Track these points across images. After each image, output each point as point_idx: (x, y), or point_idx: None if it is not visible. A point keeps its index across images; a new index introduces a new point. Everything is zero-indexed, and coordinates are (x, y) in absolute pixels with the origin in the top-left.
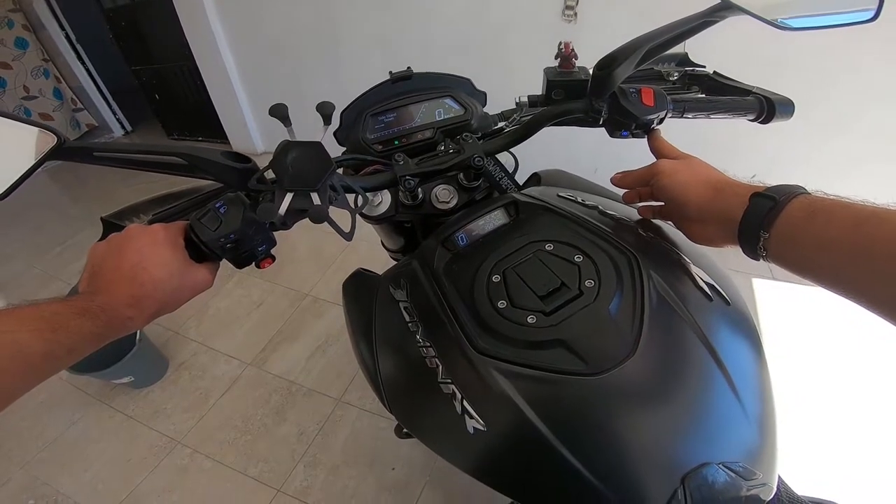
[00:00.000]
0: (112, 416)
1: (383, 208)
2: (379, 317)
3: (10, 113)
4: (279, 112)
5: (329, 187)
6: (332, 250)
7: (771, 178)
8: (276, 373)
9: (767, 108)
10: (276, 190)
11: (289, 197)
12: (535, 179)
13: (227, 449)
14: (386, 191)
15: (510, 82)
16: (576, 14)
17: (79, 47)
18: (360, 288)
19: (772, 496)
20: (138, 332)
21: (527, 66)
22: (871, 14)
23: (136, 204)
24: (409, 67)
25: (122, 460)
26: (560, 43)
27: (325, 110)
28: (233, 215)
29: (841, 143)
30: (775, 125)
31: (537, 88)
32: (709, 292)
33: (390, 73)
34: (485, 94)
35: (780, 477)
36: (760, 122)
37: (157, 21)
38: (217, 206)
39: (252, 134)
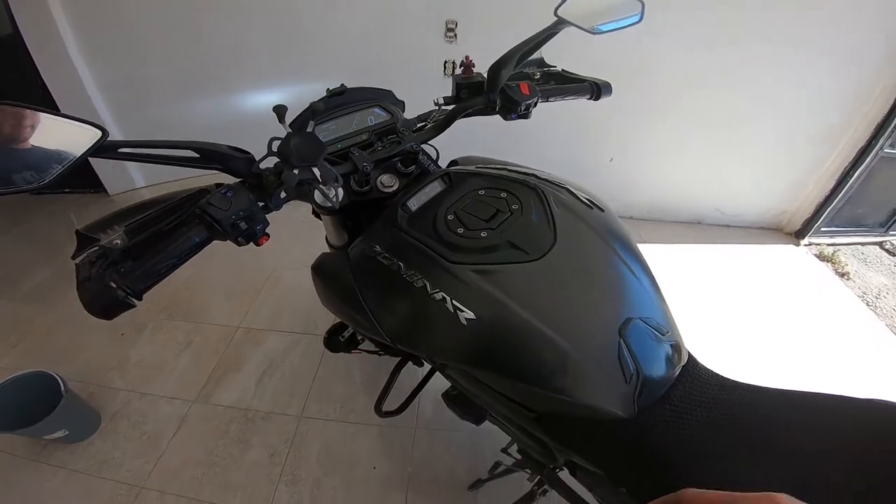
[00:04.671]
0: (55, 473)
1: (341, 197)
2: (359, 272)
3: (56, 111)
4: (280, 111)
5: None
6: (255, 282)
7: (626, 157)
8: (226, 404)
9: (596, 89)
10: (285, 168)
11: (296, 172)
12: (452, 164)
13: (199, 485)
14: (340, 185)
15: (406, 92)
16: (456, 35)
17: None
18: (330, 262)
19: (685, 360)
20: (62, 383)
21: (419, 78)
22: (637, 18)
23: (109, 216)
24: (342, 84)
25: None
26: (464, 56)
27: (280, 111)
28: (240, 198)
29: (668, 125)
30: (623, 116)
31: (428, 98)
32: (589, 204)
33: (327, 90)
34: (403, 102)
35: (690, 353)
36: (594, 100)
37: (2, 61)
38: (223, 192)
39: (132, 172)
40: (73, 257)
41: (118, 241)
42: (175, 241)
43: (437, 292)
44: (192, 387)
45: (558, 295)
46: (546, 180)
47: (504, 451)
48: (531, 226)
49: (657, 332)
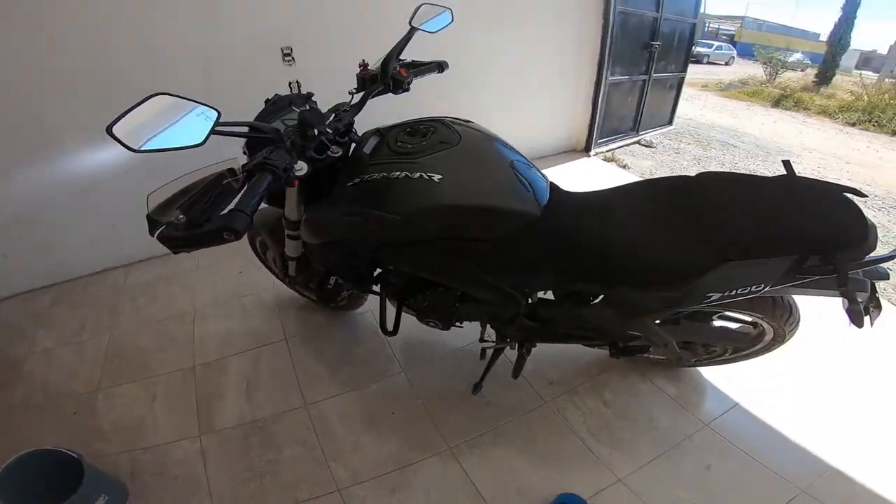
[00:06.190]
0: None
1: (306, 169)
2: (360, 195)
3: (188, 97)
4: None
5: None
6: (183, 328)
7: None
8: (231, 425)
9: (440, 67)
10: (307, 129)
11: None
12: None
13: (263, 497)
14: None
15: (255, 106)
16: (293, 59)
17: None
18: (319, 211)
19: (549, 181)
20: (71, 452)
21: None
22: (450, 20)
23: (166, 201)
24: (275, 94)
25: None
26: (362, 60)
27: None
28: (282, 154)
29: (484, 93)
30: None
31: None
32: (464, 121)
33: (266, 100)
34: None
35: (553, 182)
36: (440, 73)
37: None
38: (270, 151)
39: None
40: (151, 234)
41: (181, 217)
42: (257, 183)
43: (415, 174)
44: (188, 426)
45: (474, 158)
46: (446, 118)
47: (480, 339)
48: (445, 134)
49: (528, 165)
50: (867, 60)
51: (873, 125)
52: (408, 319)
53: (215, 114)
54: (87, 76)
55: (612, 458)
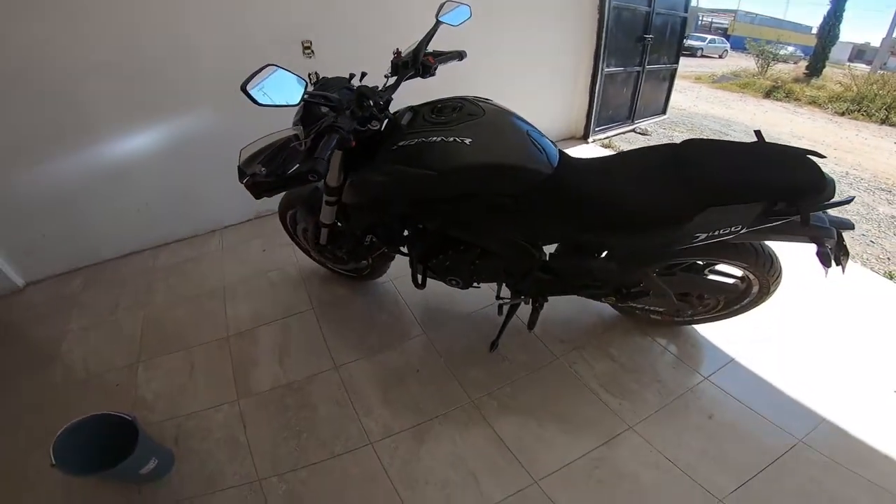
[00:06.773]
0: None
1: (351, 137)
2: (401, 159)
3: (286, 68)
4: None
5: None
6: (214, 302)
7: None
8: (267, 389)
9: (459, 55)
10: (364, 100)
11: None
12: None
13: (301, 453)
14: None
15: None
16: (313, 52)
17: None
18: (363, 177)
19: (557, 148)
20: (125, 414)
21: None
22: (469, 15)
23: (250, 156)
24: (324, 77)
25: None
26: (396, 48)
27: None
28: (346, 119)
29: (488, 83)
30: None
31: None
32: (485, 99)
33: (314, 82)
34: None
35: (562, 151)
36: (459, 60)
37: None
38: (334, 116)
39: (9, 274)
40: (240, 181)
41: (262, 169)
42: (328, 140)
43: (449, 138)
44: (226, 391)
45: (497, 127)
46: (472, 97)
47: (497, 297)
48: (471, 109)
49: (540, 134)
50: (860, 53)
51: (862, 115)
52: (426, 291)
53: (304, 82)
54: (120, 68)
55: (621, 407)
